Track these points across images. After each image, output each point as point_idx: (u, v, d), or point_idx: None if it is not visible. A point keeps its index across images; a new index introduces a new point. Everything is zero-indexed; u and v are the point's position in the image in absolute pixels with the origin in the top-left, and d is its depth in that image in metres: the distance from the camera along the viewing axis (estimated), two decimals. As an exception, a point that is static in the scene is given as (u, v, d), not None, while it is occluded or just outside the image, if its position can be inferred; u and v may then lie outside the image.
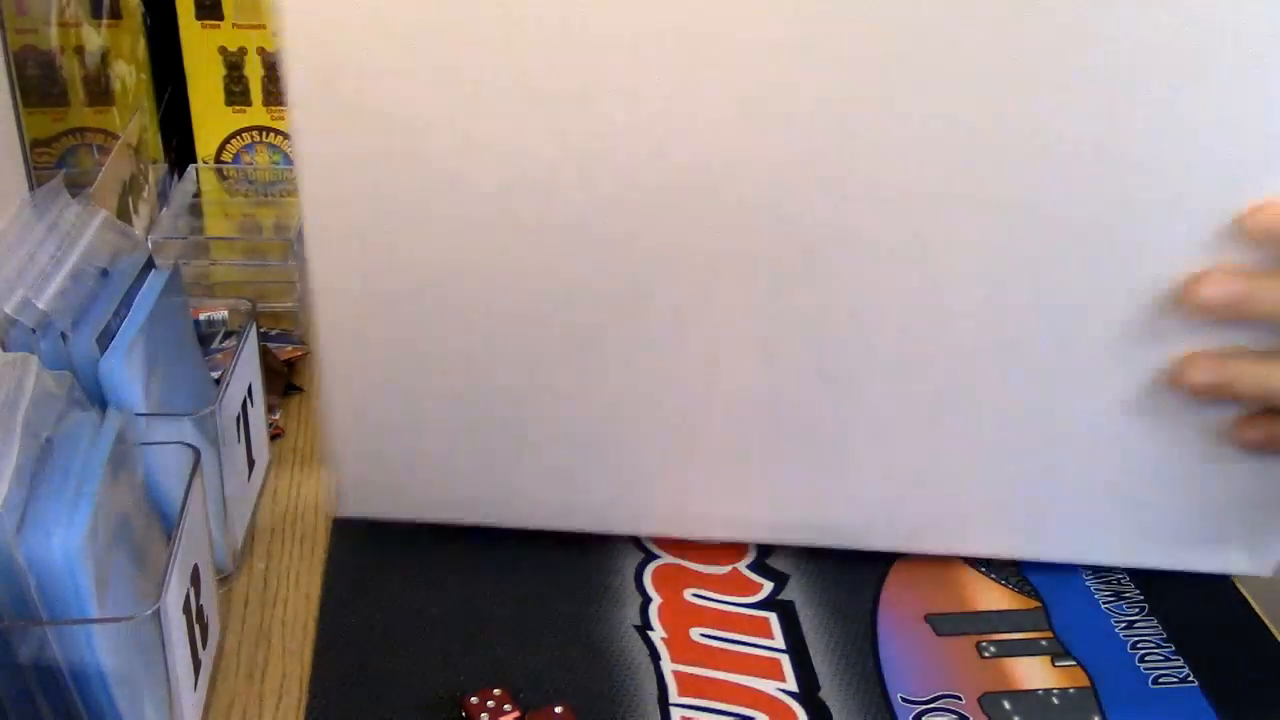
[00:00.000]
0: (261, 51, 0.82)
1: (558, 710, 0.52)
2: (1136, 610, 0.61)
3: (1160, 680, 0.57)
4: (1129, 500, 0.58)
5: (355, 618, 0.58)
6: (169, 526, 0.51)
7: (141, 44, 0.78)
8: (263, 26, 0.81)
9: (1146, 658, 0.58)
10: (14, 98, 0.58)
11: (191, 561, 0.50)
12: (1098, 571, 0.63)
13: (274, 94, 0.83)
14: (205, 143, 0.85)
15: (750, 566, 0.62)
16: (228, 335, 0.69)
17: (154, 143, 0.81)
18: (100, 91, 0.73)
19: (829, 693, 0.55)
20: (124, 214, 0.73)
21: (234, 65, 0.82)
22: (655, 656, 0.56)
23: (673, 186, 0.48)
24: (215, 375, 0.64)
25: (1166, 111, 0.47)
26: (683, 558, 0.62)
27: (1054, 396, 0.55)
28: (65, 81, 0.70)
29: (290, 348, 0.75)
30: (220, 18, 0.81)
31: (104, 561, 0.45)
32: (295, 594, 0.59)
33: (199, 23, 0.81)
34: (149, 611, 0.45)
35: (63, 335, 0.52)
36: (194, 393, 0.60)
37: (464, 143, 0.47)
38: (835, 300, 0.51)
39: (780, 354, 0.53)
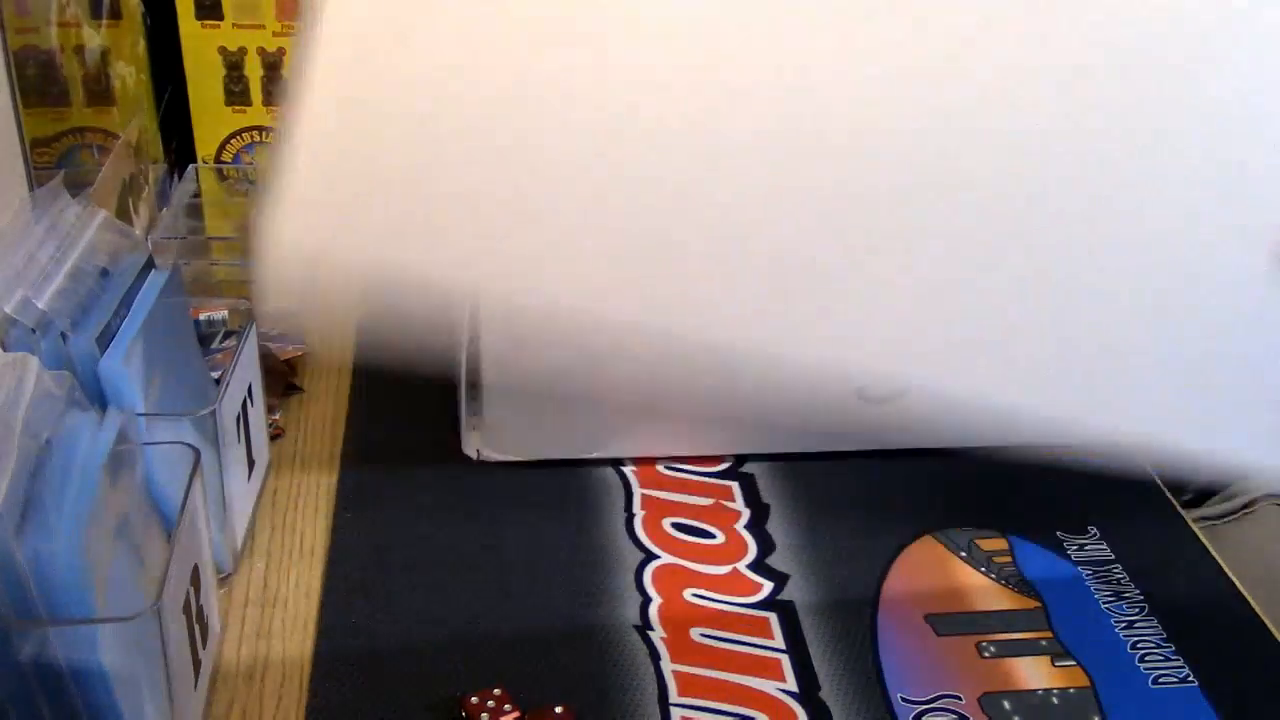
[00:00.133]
0: (261, 51, 0.82)
1: (558, 710, 0.52)
2: (1136, 610, 0.61)
3: (1160, 680, 0.57)
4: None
5: (355, 617, 0.58)
6: (169, 526, 0.51)
7: (141, 44, 0.78)
8: (263, 26, 0.81)
9: (1146, 658, 0.58)
10: (14, 98, 0.58)
11: (191, 561, 0.50)
12: (1098, 571, 0.63)
13: (274, 94, 0.83)
14: (205, 143, 0.85)
15: (750, 566, 0.62)
16: (228, 335, 0.68)
17: (154, 143, 0.81)
18: (100, 91, 0.73)
19: (829, 693, 0.55)
20: (124, 214, 0.73)
21: (234, 65, 0.82)
22: (655, 656, 0.56)
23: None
24: (215, 375, 0.64)
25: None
26: (683, 558, 0.62)
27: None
28: (65, 81, 0.70)
29: (290, 348, 0.75)
30: (220, 18, 0.81)
31: (104, 561, 0.45)
32: (295, 594, 0.59)
33: (199, 23, 0.81)
34: (149, 611, 0.45)
35: (63, 335, 0.52)
36: (194, 393, 0.60)
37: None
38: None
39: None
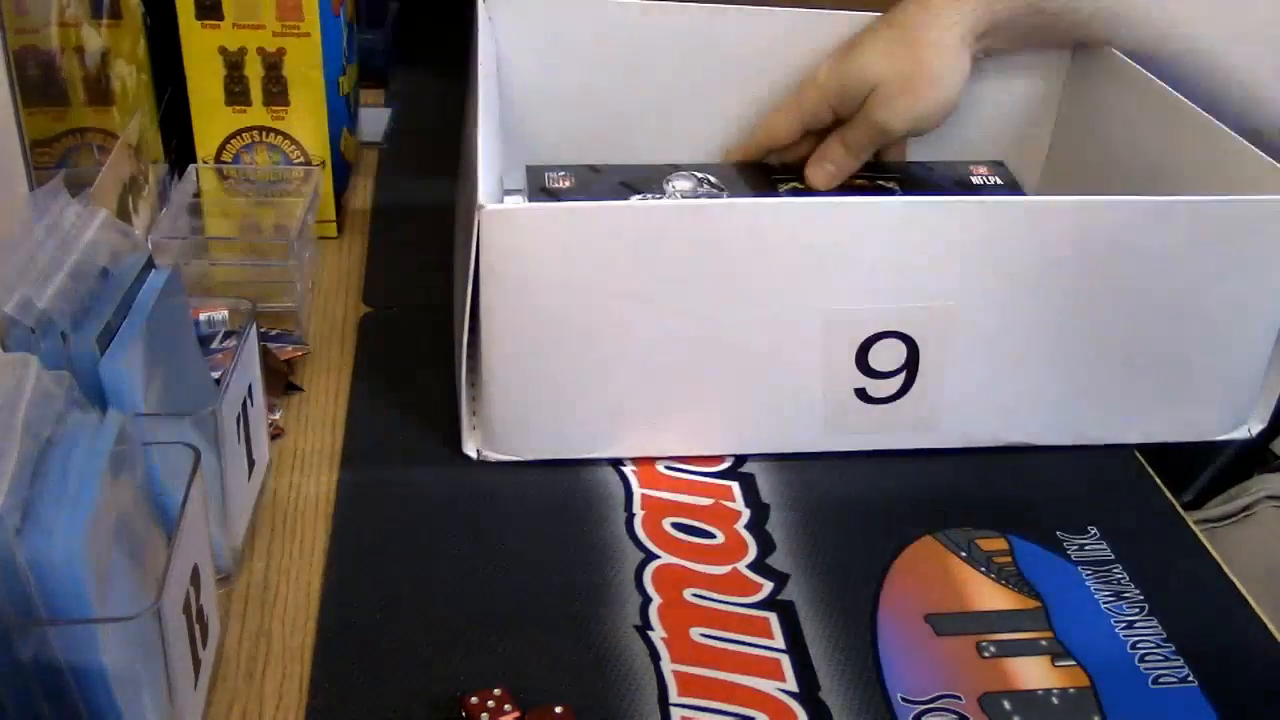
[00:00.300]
0: (261, 51, 0.82)
1: (558, 710, 0.52)
2: (1136, 610, 0.61)
3: (1160, 680, 0.57)
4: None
5: (355, 617, 0.58)
6: (169, 526, 0.51)
7: (141, 44, 0.78)
8: (263, 26, 0.81)
9: (1146, 658, 0.58)
10: (14, 98, 0.58)
11: (191, 561, 0.50)
12: (1098, 571, 0.63)
13: (274, 94, 0.83)
14: (205, 143, 0.85)
15: (750, 566, 0.62)
16: (228, 335, 0.68)
17: (154, 143, 0.81)
18: (100, 91, 0.73)
19: (829, 693, 0.55)
20: (124, 214, 0.73)
21: (234, 65, 0.82)
22: (655, 656, 0.56)
23: None
24: (215, 375, 0.64)
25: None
26: (683, 558, 0.62)
27: None
28: (65, 81, 0.70)
29: (290, 348, 0.75)
30: (220, 18, 0.81)
31: (104, 561, 0.45)
32: (295, 594, 0.59)
33: (199, 23, 0.81)
34: (149, 611, 0.45)
35: (63, 335, 0.52)
36: (194, 393, 0.60)
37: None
38: None
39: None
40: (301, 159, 0.86)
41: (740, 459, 0.69)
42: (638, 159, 0.87)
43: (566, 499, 0.66)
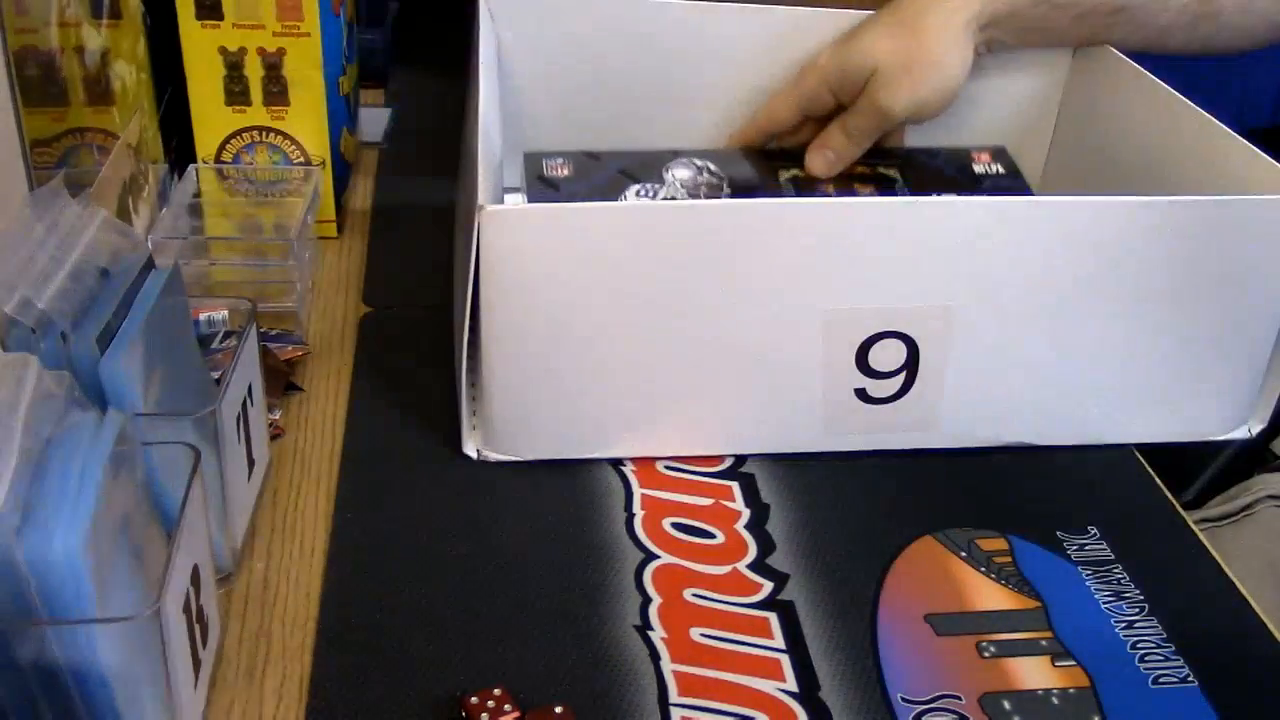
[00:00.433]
0: (261, 51, 0.82)
1: (558, 710, 0.52)
2: (1136, 610, 0.61)
3: (1160, 680, 0.57)
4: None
5: (355, 617, 0.58)
6: (169, 526, 0.51)
7: (141, 44, 0.78)
8: (263, 27, 0.81)
9: (1146, 658, 0.58)
10: (14, 98, 0.58)
11: (191, 561, 0.50)
12: (1098, 571, 0.63)
13: (274, 94, 0.83)
14: (205, 143, 0.85)
15: (750, 566, 0.62)
16: (228, 335, 0.68)
17: (154, 143, 0.81)
18: (100, 91, 0.73)
19: (829, 693, 0.55)
20: (124, 214, 0.73)
21: (234, 65, 0.82)
22: (655, 656, 0.56)
23: None
24: (215, 375, 0.64)
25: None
26: (683, 558, 0.62)
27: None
28: (65, 81, 0.70)
29: (290, 348, 0.75)
30: (220, 18, 0.81)
31: (104, 561, 0.45)
32: (295, 594, 0.59)
33: (199, 23, 0.81)
34: (149, 611, 0.45)
35: (63, 335, 0.52)
36: (194, 393, 0.60)
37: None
38: None
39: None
40: (301, 159, 0.86)
41: (740, 459, 0.69)
42: (637, 150, 0.87)
43: (566, 499, 0.66)
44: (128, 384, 0.52)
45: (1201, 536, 0.66)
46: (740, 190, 0.83)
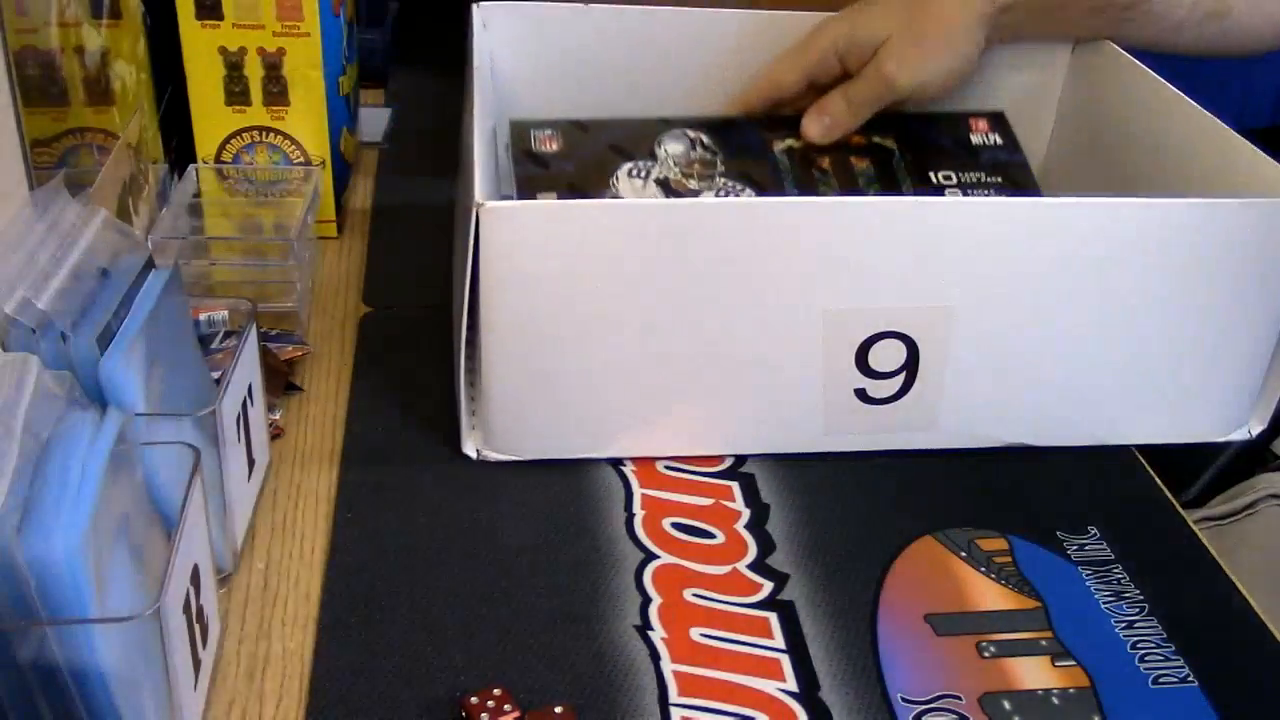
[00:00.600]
0: (261, 51, 0.82)
1: (558, 710, 0.52)
2: (1136, 610, 0.61)
3: (1160, 680, 0.57)
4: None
5: (355, 617, 0.58)
6: (169, 526, 0.51)
7: (141, 44, 0.78)
8: (262, 27, 0.81)
9: (1146, 658, 0.58)
10: (14, 98, 0.58)
11: (191, 561, 0.50)
12: (1098, 571, 0.63)
13: (274, 94, 0.83)
14: (205, 143, 0.85)
15: (750, 566, 0.62)
16: (228, 335, 0.68)
17: (154, 143, 0.81)
18: (100, 91, 0.73)
19: (829, 693, 0.55)
20: (124, 214, 0.73)
21: (234, 65, 0.82)
22: (655, 656, 0.56)
23: None
24: (215, 375, 0.64)
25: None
26: (683, 558, 0.62)
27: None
28: (65, 81, 0.70)
29: (290, 348, 0.75)
30: (220, 18, 0.80)
31: (104, 561, 0.45)
32: (295, 594, 0.59)
33: (199, 23, 0.81)
34: (149, 611, 0.45)
35: (63, 335, 0.52)
36: (194, 393, 0.60)
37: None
38: None
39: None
40: (301, 159, 0.86)
41: (740, 459, 0.69)
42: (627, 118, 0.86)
43: (566, 499, 0.66)
44: (128, 384, 0.52)
45: (1202, 536, 0.66)
46: (733, 163, 0.81)
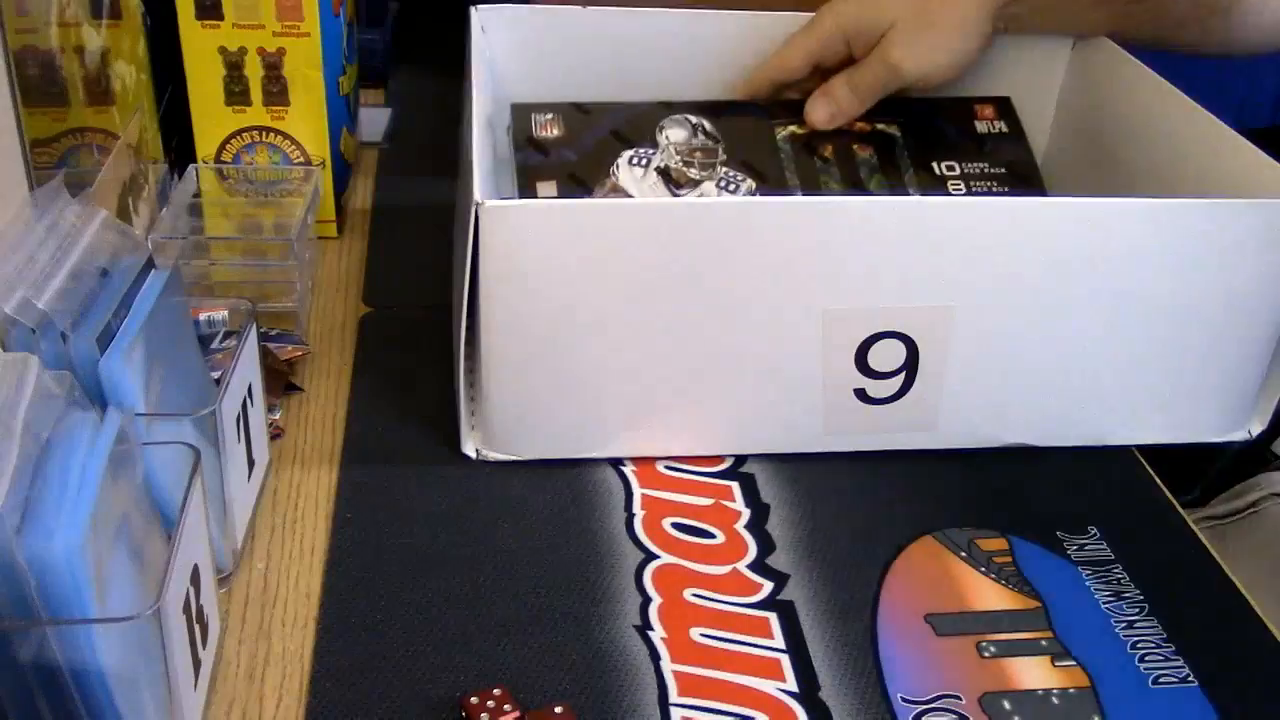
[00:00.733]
0: (261, 51, 0.82)
1: (558, 710, 0.52)
2: (1136, 610, 0.61)
3: (1160, 680, 0.57)
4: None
5: (355, 616, 0.58)
6: (169, 526, 0.51)
7: (141, 44, 0.78)
8: (262, 27, 0.81)
9: (1146, 658, 0.58)
10: (14, 98, 0.58)
11: (191, 561, 0.50)
12: (1098, 571, 0.63)
13: (274, 94, 0.83)
14: (205, 143, 0.85)
15: (750, 566, 0.62)
16: (228, 335, 0.68)
17: (154, 143, 0.81)
18: (100, 91, 0.73)
19: (829, 693, 0.55)
20: (124, 214, 0.73)
21: (234, 65, 0.82)
22: (655, 656, 0.56)
23: None
24: (215, 375, 0.64)
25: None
26: (683, 558, 0.62)
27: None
28: (65, 81, 0.70)
29: (290, 348, 0.75)
30: (220, 18, 0.81)
31: (104, 561, 0.45)
32: (295, 594, 0.59)
33: (199, 23, 0.81)
34: (149, 611, 0.45)
35: (63, 335, 0.52)
36: (194, 393, 0.60)
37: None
38: None
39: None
40: (301, 159, 0.86)
41: (740, 459, 0.69)
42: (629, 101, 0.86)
43: (566, 499, 0.66)
44: (128, 384, 0.52)
45: (1202, 536, 0.66)
46: (736, 151, 0.80)
